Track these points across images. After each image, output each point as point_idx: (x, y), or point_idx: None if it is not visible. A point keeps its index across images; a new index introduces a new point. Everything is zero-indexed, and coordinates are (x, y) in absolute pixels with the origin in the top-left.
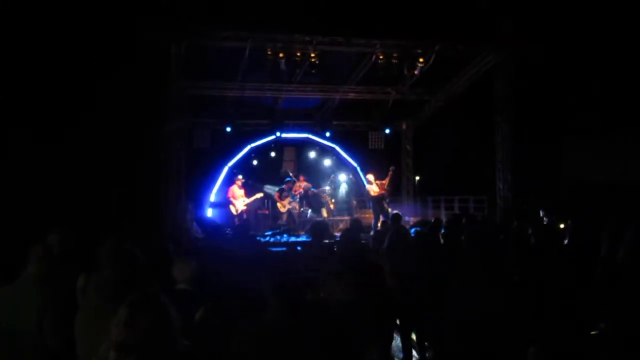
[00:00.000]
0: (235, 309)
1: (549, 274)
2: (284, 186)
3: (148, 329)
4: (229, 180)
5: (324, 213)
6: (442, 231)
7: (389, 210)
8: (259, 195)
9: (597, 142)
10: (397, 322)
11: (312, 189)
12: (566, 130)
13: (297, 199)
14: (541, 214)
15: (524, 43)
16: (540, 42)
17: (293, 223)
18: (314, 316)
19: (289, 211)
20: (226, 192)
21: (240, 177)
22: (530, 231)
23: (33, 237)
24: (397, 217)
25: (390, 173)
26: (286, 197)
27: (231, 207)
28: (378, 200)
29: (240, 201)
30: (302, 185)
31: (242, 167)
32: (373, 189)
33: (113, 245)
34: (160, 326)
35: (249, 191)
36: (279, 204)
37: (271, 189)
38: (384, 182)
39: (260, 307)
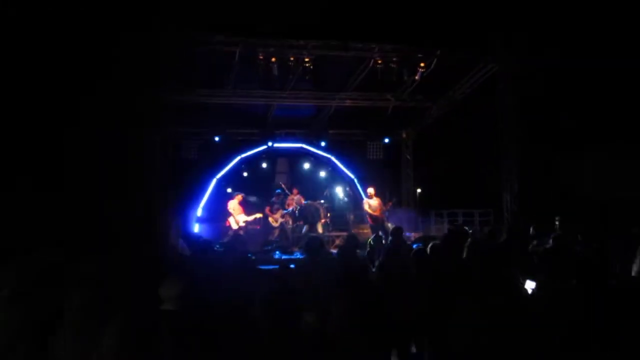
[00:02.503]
0: (224, 332)
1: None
2: (274, 199)
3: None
4: (218, 194)
5: (320, 228)
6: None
7: (389, 226)
8: (259, 215)
9: (599, 154)
10: (394, 341)
11: (307, 201)
12: (573, 140)
13: (290, 212)
14: (556, 224)
15: (527, 51)
16: (545, 50)
17: (286, 239)
18: (309, 339)
19: (281, 226)
20: (226, 205)
21: (241, 194)
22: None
23: (4, 257)
24: (397, 232)
25: (389, 203)
26: (278, 210)
27: (231, 219)
28: (375, 220)
29: (240, 217)
30: (295, 198)
31: (232, 179)
32: (371, 203)
33: (92, 264)
34: (150, 349)
35: (246, 209)
36: (270, 219)
37: (256, 201)
38: (383, 207)
39: (251, 330)
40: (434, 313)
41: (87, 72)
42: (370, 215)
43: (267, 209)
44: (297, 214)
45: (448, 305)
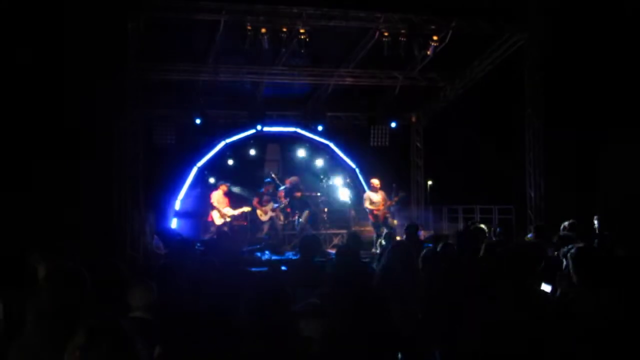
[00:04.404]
0: (204, 343)
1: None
2: (263, 189)
3: (108, 355)
4: (200, 184)
5: (303, 217)
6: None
7: (395, 222)
8: (247, 208)
9: None
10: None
11: (301, 187)
12: (610, 127)
13: (282, 206)
14: (595, 224)
15: (560, 19)
16: (581, 18)
17: (276, 237)
18: (302, 351)
19: (271, 220)
20: (208, 197)
21: (226, 184)
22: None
23: None
24: (411, 230)
25: (396, 198)
26: (268, 202)
27: (214, 213)
28: (375, 217)
29: (226, 210)
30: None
31: (215, 168)
32: (373, 197)
33: (54, 265)
34: (121, 353)
35: (232, 202)
36: (259, 212)
37: (241, 193)
38: (387, 202)
39: (236, 341)
40: (443, 320)
41: (47, 49)
42: (371, 211)
43: (255, 201)
44: (290, 203)
45: (459, 312)
